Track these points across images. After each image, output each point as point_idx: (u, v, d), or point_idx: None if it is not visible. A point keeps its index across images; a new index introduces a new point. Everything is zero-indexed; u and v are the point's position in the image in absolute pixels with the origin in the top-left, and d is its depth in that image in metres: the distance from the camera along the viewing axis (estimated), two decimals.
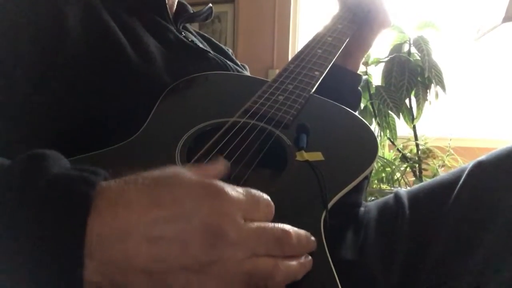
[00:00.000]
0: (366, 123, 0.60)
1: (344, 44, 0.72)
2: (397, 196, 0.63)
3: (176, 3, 0.74)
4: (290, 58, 2.59)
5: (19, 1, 0.49)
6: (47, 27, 0.50)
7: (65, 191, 0.30)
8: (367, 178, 0.52)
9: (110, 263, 0.29)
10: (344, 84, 0.76)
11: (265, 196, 0.36)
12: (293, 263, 0.35)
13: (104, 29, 0.56)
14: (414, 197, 0.62)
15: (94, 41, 0.54)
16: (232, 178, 0.46)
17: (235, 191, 0.34)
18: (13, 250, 0.29)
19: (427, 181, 0.65)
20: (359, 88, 0.79)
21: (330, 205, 0.45)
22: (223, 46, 0.87)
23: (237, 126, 0.53)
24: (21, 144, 0.47)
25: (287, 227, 0.35)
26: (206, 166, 0.39)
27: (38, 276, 0.28)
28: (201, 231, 0.31)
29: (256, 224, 0.34)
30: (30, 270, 0.28)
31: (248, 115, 0.55)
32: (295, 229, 0.36)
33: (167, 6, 0.68)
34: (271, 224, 0.34)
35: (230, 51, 0.88)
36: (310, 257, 0.37)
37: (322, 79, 0.65)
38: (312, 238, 0.38)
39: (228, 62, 0.76)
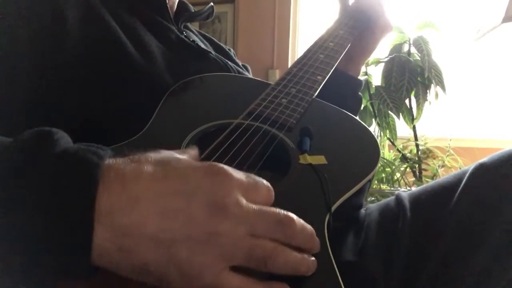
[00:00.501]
0: (367, 128, 0.60)
1: (346, 49, 0.73)
2: (398, 198, 0.63)
3: (176, 2, 0.74)
4: (290, 58, 2.58)
5: (19, 1, 0.50)
6: (47, 28, 0.50)
7: (76, 162, 0.31)
8: (369, 181, 0.52)
9: (119, 230, 0.30)
10: (345, 89, 0.77)
11: (266, 181, 0.37)
12: (295, 252, 0.35)
13: (105, 29, 0.56)
14: (416, 199, 0.62)
15: (94, 41, 0.55)
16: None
17: (236, 172, 0.35)
18: (23, 222, 0.29)
19: (428, 183, 0.65)
20: (359, 92, 0.79)
21: (333, 208, 0.45)
22: (225, 46, 0.87)
23: (241, 128, 0.53)
24: None
25: (291, 214, 0.36)
26: None
27: (47, 239, 0.29)
28: (204, 204, 0.32)
29: (257, 205, 0.34)
30: (38, 234, 0.29)
31: (252, 117, 0.55)
32: (301, 219, 0.36)
33: (168, 5, 0.68)
34: (273, 208, 0.35)
35: (232, 51, 0.88)
36: (314, 258, 0.37)
37: (324, 83, 0.65)
38: (315, 235, 0.38)
39: (229, 62, 0.76)
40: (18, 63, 0.48)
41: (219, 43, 0.87)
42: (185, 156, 0.37)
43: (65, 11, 0.52)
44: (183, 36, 0.70)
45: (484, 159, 0.57)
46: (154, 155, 0.34)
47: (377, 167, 0.53)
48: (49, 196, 0.30)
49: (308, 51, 0.72)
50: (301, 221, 0.36)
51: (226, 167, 0.34)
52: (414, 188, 1.04)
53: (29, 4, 0.50)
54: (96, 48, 0.54)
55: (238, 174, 0.35)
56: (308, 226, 0.37)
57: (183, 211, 0.32)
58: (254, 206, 0.34)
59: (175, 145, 0.48)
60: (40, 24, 0.50)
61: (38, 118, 0.49)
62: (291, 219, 0.35)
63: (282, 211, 0.35)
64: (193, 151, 0.41)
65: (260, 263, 0.33)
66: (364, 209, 0.68)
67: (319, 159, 0.50)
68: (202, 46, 0.73)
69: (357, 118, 0.63)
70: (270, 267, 0.34)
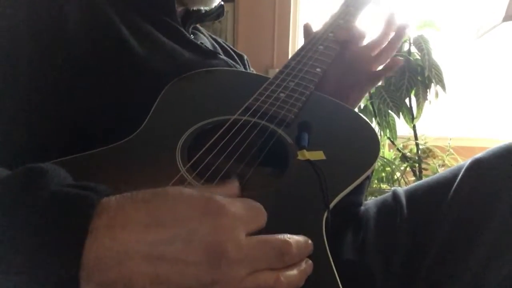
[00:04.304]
0: (368, 122, 0.59)
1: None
2: (395, 194, 0.63)
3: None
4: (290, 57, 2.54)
5: (18, 1, 0.49)
6: (47, 27, 0.50)
7: (62, 212, 0.30)
8: (368, 177, 0.51)
9: (108, 285, 0.29)
10: None
11: (262, 208, 0.36)
12: (294, 272, 0.34)
13: (108, 29, 0.56)
14: (412, 195, 0.62)
15: (97, 41, 0.54)
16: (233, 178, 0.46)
17: (235, 206, 0.33)
18: (7, 271, 0.28)
19: (424, 179, 0.65)
20: None
21: (331, 205, 0.45)
22: (235, 52, 0.85)
23: (239, 124, 0.52)
24: (22, 143, 0.48)
25: (287, 236, 0.35)
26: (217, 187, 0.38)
27: None
28: (202, 250, 0.30)
29: (256, 238, 0.33)
30: None
31: (250, 113, 0.55)
32: (294, 237, 0.35)
33: (176, 7, 0.68)
34: (270, 236, 0.34)
35: (245, 57, 0.86)
36: (310, 261, 0.36)
37: None
38: (310, 241, 0.37)
39: (237, 66, 0.75)
40: (19, 63, 0.48)
41: (229, 47, 0.84)
42: (190, 188, 0.34)
43: (66, 10, 0.52)
44: (191, 38, 0.69)
45: (479, 154, 0.57)
46: (149, 192, 0.32)
47: (376, 162, 0.52)
48: (32, 252, 0.28)
49: (307, 43, 0.71)
50: (296, 239, 0.35)
51: (225, 202, 0.33)
52: None
53: (29, 3, 0.50)
54: (99, 48, 0.54)
55: (237, 208, 0.33)
56: (302, 240, 0.36)
57: (178, 261, 0.30)
58: (254, 240, 0.33)
59: (172, 143, 0.48)
60: (40, 23, 0.50)
61: (39, 118, 0.49)
62: (289, 244, 0.34)
63: (279, 238, 0.34)
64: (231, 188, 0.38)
65: None
66: (363, 206, 0.68)
67: (318, 155, 0.50)
68: (211, 48, 0.72)
69: (357, 112, 0.62)
70: None
